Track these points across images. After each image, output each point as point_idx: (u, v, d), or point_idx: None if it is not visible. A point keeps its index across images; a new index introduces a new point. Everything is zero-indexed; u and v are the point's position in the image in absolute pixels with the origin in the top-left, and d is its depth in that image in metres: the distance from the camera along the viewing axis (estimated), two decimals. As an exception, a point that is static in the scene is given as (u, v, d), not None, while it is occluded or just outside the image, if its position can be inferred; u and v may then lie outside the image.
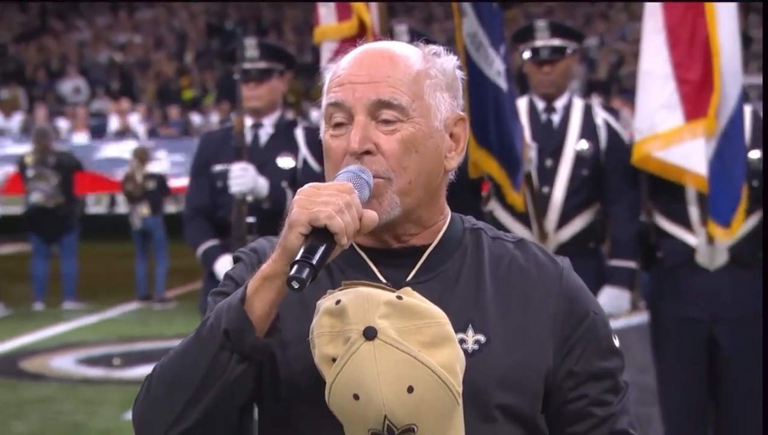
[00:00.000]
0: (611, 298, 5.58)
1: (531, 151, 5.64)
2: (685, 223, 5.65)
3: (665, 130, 5.45)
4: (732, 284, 5.59)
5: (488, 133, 5.44)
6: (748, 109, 5.77)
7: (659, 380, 5.79)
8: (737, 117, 5.45)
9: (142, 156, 14.81)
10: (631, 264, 5.80)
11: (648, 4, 5.62)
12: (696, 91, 5.43)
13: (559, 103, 5.88)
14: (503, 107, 5.47)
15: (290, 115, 6.19)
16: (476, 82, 5.44)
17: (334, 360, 1.83)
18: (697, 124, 5.40)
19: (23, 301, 14.03)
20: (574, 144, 5.81)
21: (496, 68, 5.47)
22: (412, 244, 2.03)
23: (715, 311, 5.59)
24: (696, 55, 5.44)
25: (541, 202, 5.71)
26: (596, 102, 6.22)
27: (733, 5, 5.51)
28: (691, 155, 5.43)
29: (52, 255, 14.15)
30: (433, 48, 2.06)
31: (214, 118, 24.67)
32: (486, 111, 5.44)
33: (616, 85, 25.30)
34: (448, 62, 2.06)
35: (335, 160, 1.98)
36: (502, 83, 5.47)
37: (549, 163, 5.77)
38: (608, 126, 5.88)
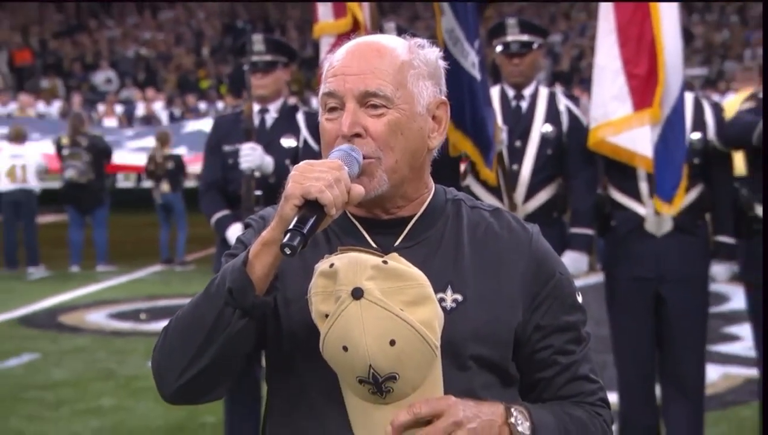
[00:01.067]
0: (572, 261, 5.57)
1: (502, 133, 5.62)
2: (635, 195, 5.65)
3: (617, 118, 5.46)
4: (676, 248, 5.60)
5: (464, 117, 5.43)
6: (690, 97, 5.76)
7: (612, 332, 5.79)
8: (679, 106, 5.47)
9: (164, 139, 14.80)
10: (589, 231, 5.80)
11: (602, 7, 5.62)
12: (643, 84, 5.43)
13: (527, 91, 5.87)
14: (477, 94, 5.46)
15: (292, 101, 6.15)
16: (453, 73, 5.40)
17: (327, 316, 1.82)
18: (644, 113, 5.40)
19: (62, 264, 14.04)
20: (540, 127, 5.80)
21: (470, 60, 5.45)
22: (400, 214, 2.01)
23: (661, 272, 5.60)
24: (643, 53, 5.45)
25: (511, 178, 5.70)
26: (559, 90, 6.18)
27: (676, 6, 5.52)
28: (638, 140, 5.44)
29: (86, 224, 14.18)
30: (419, 40, 2.05)
31: (220, 105, 24.77)
32: (462, 98, 5.43)
33: (577, 76, 25.36)
34: (431, 53, 2.04)
35: (329, 141, 1.97)
36: (476, 73, 5.45)
37: (518, 143, 5.76)
38: (570, 111, 5.87)
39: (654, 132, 5.41)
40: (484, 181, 5.68)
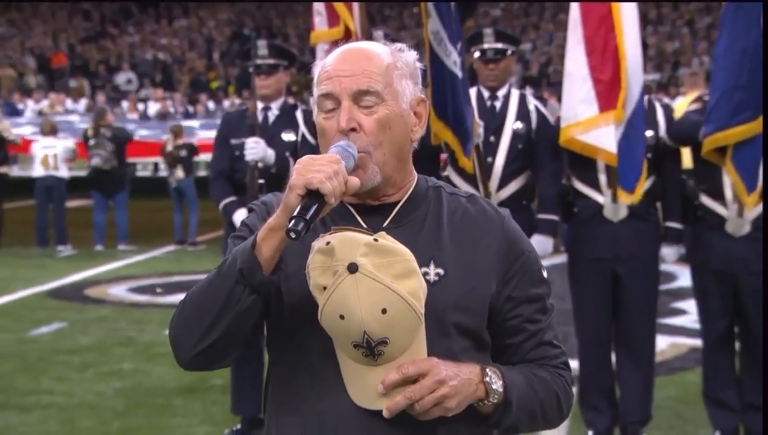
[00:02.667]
0: (539, 244, 5.58)
1: (480, 128, 5.63)
2: (595, 186, 5.66)
3: (585, 118, 5.47)
4: (630, 232, 5.62)
5: (446, 109, 5.44)
6: (645, 98, 5.76)
7: (574, 306, 5.81)
8: (639, 108, 5.49)
9: (177, 131, 14.80)
10: (554, 217, 5.81)
11: (570, 20, 5.62)
12: (608, 88, 5.45)
13: (501, 93, 5.87)
14: (458, 90, 5.46)
15: (292, 100, 6.15)
16: (437, 70, 5.44)
17: (325, 288, 1.82)
18: (609, 114, 5.41)
19: (87, 244, 14.00)
20: (512, 124, 5.80)
21: (452, 59, 5.46)
22: (387, 200, 2.01)
23: (617, 253, 5.61)
24: (607, 61, 5.46)
25: (486, 169, 5.71)
26: (529, 92, 6.18)
27: (636, 19, 5.53)
28: (603, 138, 5.45)
29: (109, 208, 14.14)
30: (398, 45, 2.06)
31: (226, 103, 24.73)
32: (444, 92, 5.44)
33: (545, 80, 25.38)
34: (410, 56, 2.05)
35: (328, 138, 1.97)
36: (458, 71, 5.45)
37: (492, 138, 5.76)
38: (538, 111, 5.87)
39: (617, 131, 5.42)
40: (461, 170, 5.69)
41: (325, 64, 2.01)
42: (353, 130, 1.94)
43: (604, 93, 5.46)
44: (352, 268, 1.80)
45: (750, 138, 5.23)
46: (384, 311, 1.79)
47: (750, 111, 5.23)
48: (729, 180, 5.50)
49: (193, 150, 14.60)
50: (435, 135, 5.47)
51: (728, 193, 5.54)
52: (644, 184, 5.62)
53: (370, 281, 1.79)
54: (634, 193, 5.44)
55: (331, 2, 6.12)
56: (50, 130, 14.48)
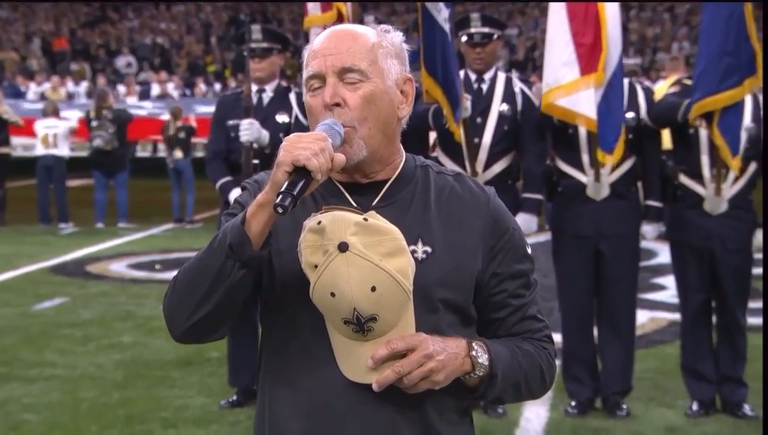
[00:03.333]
0: (524, 222, 5.58)
1: (467, 102, 5.60)
2: (578, 166, 5.67)
3: (566, 82, 5.46)
4: (612, 211, 5.63)
5: (435, 65, 5.44)
6: (625, 82, 5.76)
7: (558, 281, 5.82)
8: (618, 71, 5.50)
9: (176, 113, 14.75)
10: (538, 196, 5.81)
11: None
12: (589, 51, 5.45)
13: (487, 76, 5.85)
14: (447, 50, 5.45)
15: (285, 83, 6.13)
16: (429, 26, 5.47)
17: (316, 266, 1.81)
18: (590, 77, 5.42)
19: (88, 221, 13.97)
20: (498, 106, 5.79)
21: (443, 16, 5.46)
22: (376, 179, 1.99)
23: (600, 230, 5.62)
24: (589, 25, 5.48)
25: (473, 149, 5.69)
26: (515, 76, 6.15)
27: None
28: (583, 103, 5.45)
29: (110, 187, 14.11)
30: (384, 26, 2.03)
31: (217, 86, 24.69)
32: (434, 48, 5.46)
33: (531, 64, 25.35)
34: (396, 37, 2.02)
35: (315, 114, 1.95)
36: (447, 29, 5.44)
37: (479, 120, 5.75)
38: (523, 93, 5.86)
39: (597, 93, 5.41)
40: (449, 150, 5.70)
41: (313, 46, 1.99)
42: (337, 105, 1.92)
43: (586, 56, 5.46)
44: (343, 247, 1.78)
45: (734, 103, 5.22)
46: (373, 289, 1.78)
47: (737, 76, 5.28)
48: (707, 160, 5.51)
49: (192, 131, 14.56)
50: (426, 92, 5.47)
51: (706, 173, 5.54)
52: (625, 164, 5.62)
53: (360, 260, 1.78)
54: (613, 153, 5.42)
55: (323, -12, 6.09)
56: (53, 111, 14.46)
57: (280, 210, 1.76)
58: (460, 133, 5.55)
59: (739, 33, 5.25)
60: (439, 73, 5.43)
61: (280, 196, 1.77)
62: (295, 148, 1.79)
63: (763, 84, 5.28)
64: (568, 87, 5.44)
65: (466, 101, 5.60)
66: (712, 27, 5.36)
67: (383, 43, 1.98)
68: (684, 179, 5.62)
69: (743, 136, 5.47)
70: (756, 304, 6.45)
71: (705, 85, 5.30)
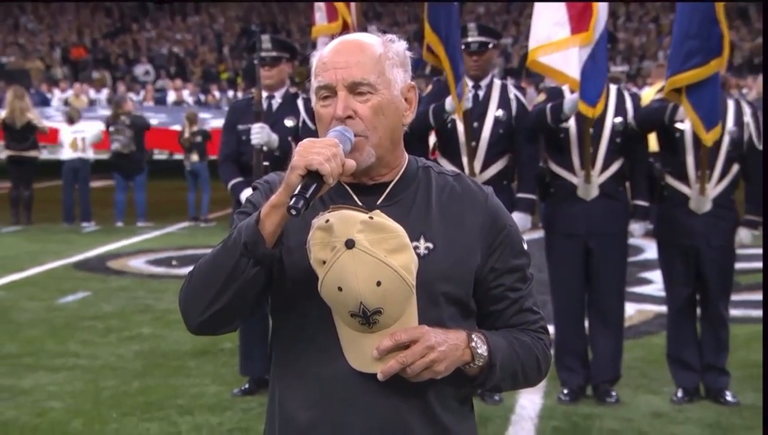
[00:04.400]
0: (518, 220, 5.55)
1: (469, 93, 5.58)
2: (569, 168, 5.66)
3: (557, 39, 5.47)
4: (601, 210, 5.62)
5: (439, 23, 5.47)
6: (614, 88, 5.75)
7: (550, 276, 5.81)
8: (604, 32, 5.53)
9: (192, 118, 14.75)
10: (532, 196, 5.80)
11: None
12: (580, 12, 5.46)
13: (484, 83, 5.84)
14: (452, 19, 5.50)
15: (293, 89, 6.12)
16: None
17: (324, 262, 1.80)
18: (579, 36, 5.42)
19: (109, 220, 13.97)
20: (494, 111, 5.78)
21: None
22: (381, 180, 1.98)
23: (590, 228, 5.62)
24: None
25: (471, 152, 5.69)
26: (510, 83, 6.14)
27: None
28: (569, 62, 5.45)
29: (129, 188, 14.11)
30: (389, 36, 2.01)
31: (230, 93, 24.69)
32: (439, 13, 5.49)
33: (525, 71, 25.29)
34: (401, 46, 2.01)
35: (325, 123, 1.93)
36: None
37: (476, 124, 5.73)
38: (518, 99, 5.86)
39: (584, 51, 5.41)
40: (448, 153, 5.69)
41: (322, 56, 1.97)
42: (349, 117, 1.90)
43: (577, 16, 5.47)
44: (350, 244, 1.77)
45: (706, 80, 5.27)
46: (378, 283, 1.77)
47: (699, 57, 5.31)
48: (692, 161, 5.50)
49: (207, 136, 14.54)
50: (428, 50, 5.49)
51: (691, 174, 5.54)
52: (613, 166, 5.62)
53: (366, 256, 1.77)
54: (596, 107, 5.41)
55: (330, 0, 6.08)
56: (77, 117, 14.57)
57: (293, 212, 1.75)
58: (461, 111, 5.50)
59: (706, 17, 5.29)
60: (443, 31, 5.43)
61: (294, 199, 1.76)
62: (309, 153, 1.78)
63: (763, 84, 5.28)
64: (558, 44, 5.47)
65: (468, 90, 5.58)
66: (681, 15, 5.45)
67: (389, 54, 1.96)
68: (670, 180, 5.61)
69: (727, 138, 5.48)
70: (737, 297, 6.45)
71: (672, 65, 5.42)
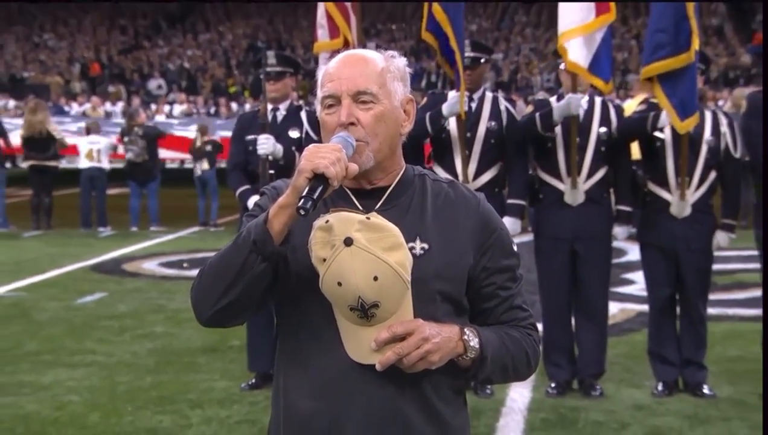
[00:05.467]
0: (509, 224, 5.56)
1: (465, 96, 5.61)
2: (557, 176, 5.67)
3: (586, 23, 5.48)
4: (587, 215, 5.63)
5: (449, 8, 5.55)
6: (599, 100, 5.75)
7: (539, 277, 5.81)
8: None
9: (203, 129, 14.78)
10: (522, 202, 5.80)
11: None
12: None
13: (476, 95, 5.85)
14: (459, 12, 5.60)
15: (297, 103, 6.13)
16: None
17: (324, 260, 1.81)
18: (603, 18, 5.48)
19: (124, 225, 13.95)
20: (486, 123, 5.79)
21: None
22: (380, 185, 1.99)
23: (576, 232, 5.62)
24: None
25: (465, 160, 5.69)
26: (501, 95, 6.14)
27: None
28: (575, 50, 5.48)
29: (143, 195, 14.10)
30: (390, 52, 2.03)
31: (234, 106, 24.67)
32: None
33: (514, 85, 25.37)
34: (401, 62, 2.02)
35: (329, 130, 1.94)
36: None
37: (468, 134, 5.74)
38: (508, 111, 5.86)
39: (598, 34, 5.48)
40: (443, 162, 5.70)
41: (329, 68, 1.98)
42: (352, 124, 1.92)
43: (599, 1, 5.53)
44: (348, 242, 1.78)
45: (680, 71, 5.31)
46: (376, 278, 1.78)
47: (666, 50, 5.36)
48: (672, 169, 5.51)
49: (218, 147, 14.53)
50: (427, 31, 5.61)
51: (672, 181, 5.55)
52: (598, 173, 5.63)
53: (364, 253, 1.77)
54: (609, 84, 5.53)
55: (332, 18, 6.09)
56: (95, 129, 14.59)
57: (302, 212, 1.77)
58: (462, 105, 5.56)
59: (676, 13, 5.36)
60: (451, 14, 5.51)
61: (302, 200, 1.77)
62: (315, 158, 1.79)
63: (763, 85, 5.32)
64: (585, 28, 5.49)
65: (465, 98, 5.60)
66: (654, 13, 5.50)
67: (390, 68, 1.98)
68: (652, 186, 5.62)
69: (705, 147, 5.49)
70: (714, 296, 6.45)
71: (645, 57, 5.51)
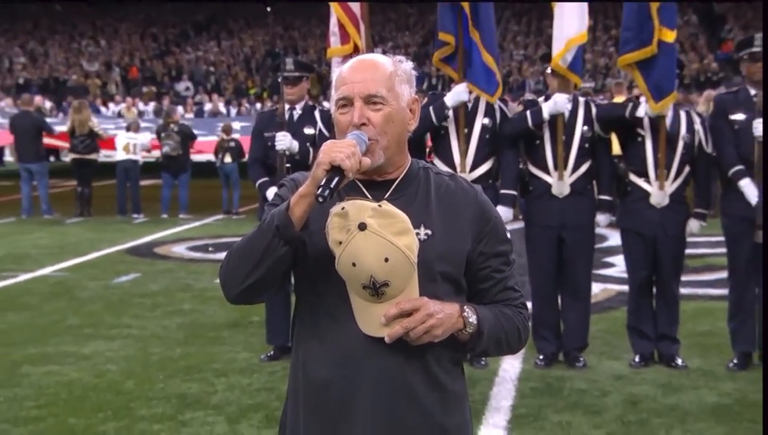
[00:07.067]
0: (502, 213, 5.51)
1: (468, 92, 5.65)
2: (545, 170, 5.66)
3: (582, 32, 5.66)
4: (572, 205, 5.63)
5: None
6: (582, 100, 5.74)
7: (529, 261, 5.81)
8: None
9: (227, 129, 14.80)
10: (513, 192, 5.79)
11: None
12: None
13: (473, 96, 5.82)
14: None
15: (311, 102, 6.12)
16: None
17: (340, 243, 1.80)
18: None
19: (155, 213, 13.97)
20: (481, 120, 5.77)
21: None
22: (388, 177, 1.98)
23: (562, 221, 5.61)
24: None
25: (462, 154, 5.68)
26: (495, 96, 6.11)
27: None
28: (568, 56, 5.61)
29: (174, 186, 14.11)
30: (398, 57, 2.02)
31: (258, 106, 24.65)
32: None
33: (506, 87, 25.29)
34: (408, 65, 2.01)
35: (342, 129, 1.93)
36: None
37: (466, 130, 5.72)
38: (501, 109, 5.85)
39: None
40: (443, 156, 5.69)
41: (342, 72, 1.97)
42: (364, 124, 1.91)
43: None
44: (362, 227, 1.77)
45: (653, 59, 5.44)
46: (386, 260, 1.77)
47: (631, 45, 5.53)
48: (652, 162, 5.51)
49: (239, 144, 14.50)
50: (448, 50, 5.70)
51: (651, 173, 5.54)
52: (583, 167, 5.63)
53: (376, 237, 1.77)
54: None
55: (343, 26, 6.08)
56: (136, 128, 14.71)
57: (320, 199, 1.76)
58: (457, 74, 5.66)
59: (641, 14, 5.48)
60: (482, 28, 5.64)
61: (320, 189, 1.77)
62: (333, 151, 1.79)
63: (763, 84, 5.33)
64: (582, 37, 5.65)
65: (466, 90, 5.60)
66: (623, 15, 5.65)
67: (398, 72, 1.96)
68: (633, 178, 5.61)
69: (681, 143, 5.50)
70: (686, 278, 6.45)
71: (619, 49, 5.66)
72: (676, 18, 5.60)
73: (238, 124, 17.08)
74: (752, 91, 5.40)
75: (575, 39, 5.60)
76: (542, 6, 30.14)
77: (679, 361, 5.57)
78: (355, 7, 6.05)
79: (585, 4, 5.71)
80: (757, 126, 5.27)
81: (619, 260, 7.46)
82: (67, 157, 15.17)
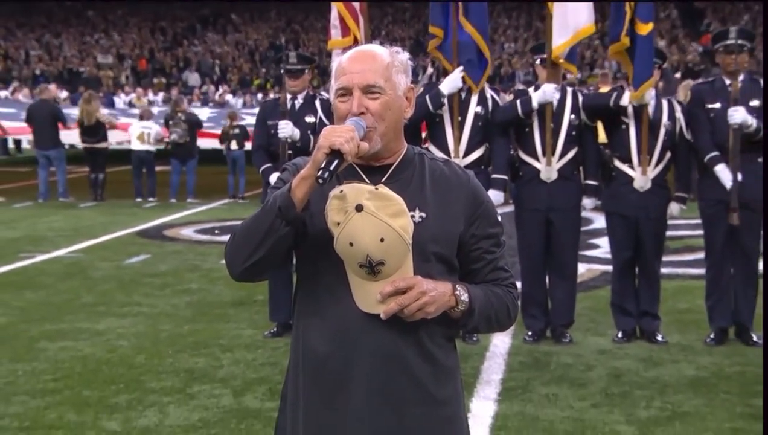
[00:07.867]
0: (493, 196, 5.54)
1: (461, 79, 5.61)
2: (534, 155, 5.65)
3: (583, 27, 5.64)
4: (560, 189, 5.62)
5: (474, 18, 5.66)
6: (570, 90, 5.71)
7: (519, 243, 5.80)
8: None
9: (232, 116, 14.75)
10: (504, 176, 5.78)
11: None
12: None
13: (466, 86, 5.79)
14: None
15: (311, 92, 6.09)
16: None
17: (338, 223, 1.79)
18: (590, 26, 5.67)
19: (165, 197, 13.94)
20: (474, 108, 5.75)
21: None
22: (385, 163, 1.96)
23: (550, 205, 5.61)
24: None
25: (456, 140, 5.66)
26: (486, 85, 6.09)
27: None
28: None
29: (182, 171, 14.08)
30: (395, 48, 2.00)
31: (259, 96, 24.58)
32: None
33: (498, 78, 25.25)
34: (404, 56, 1.99)
35: (342, 116, 1.91)
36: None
37: (459, 118, 5.70)
38: (493, 99, 5.83)
39: None
40: (437, 142, 5.67)
41: (342, 62, 1.95)
42: (362, 112, 1.89)
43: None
44: (359, 208, 1.76)
45: (631, 50, 5.48)
46: (382, 240, 1.76)
47: (610, 38, 5.63)
48: (635, 149, 5.50)
49: (245, 131, 14.46)
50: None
51: (635, 159, 5.53)
52: (570, 153, 5.61)
53: (372, 218, 1.76)
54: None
55: (343, 19, 6.05)
56: (148, 116, 14.63)
57: (321, 181, 1.75)
58: (451, 67, 5.63)
59: (617, 12, 5.53)
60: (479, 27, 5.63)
61: (321, 171, 1.76)
62: (333, 136, 1.78)
63: (763, 84, 5.33)
64: (585, 31, 5.64)
65: (460, 77, 5.57)
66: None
67: (395, 62, 1.95)
68: (617, 163, 5.60)
69: (663, 130, 5.50)
70: (667, 258, 6.45)
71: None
72: (653, 12, 5.57)
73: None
74: (727, 81, 5.39)
75: (583, 30, 5.59)
76: (530, 3, 30.04)
77: (660, 337, 5.58)
78: (356, 4, 6.03)
79: None
80: (733, 114, 5.26)
81: (603, 242, 7.46)
82: (80, 146, 15.13)
